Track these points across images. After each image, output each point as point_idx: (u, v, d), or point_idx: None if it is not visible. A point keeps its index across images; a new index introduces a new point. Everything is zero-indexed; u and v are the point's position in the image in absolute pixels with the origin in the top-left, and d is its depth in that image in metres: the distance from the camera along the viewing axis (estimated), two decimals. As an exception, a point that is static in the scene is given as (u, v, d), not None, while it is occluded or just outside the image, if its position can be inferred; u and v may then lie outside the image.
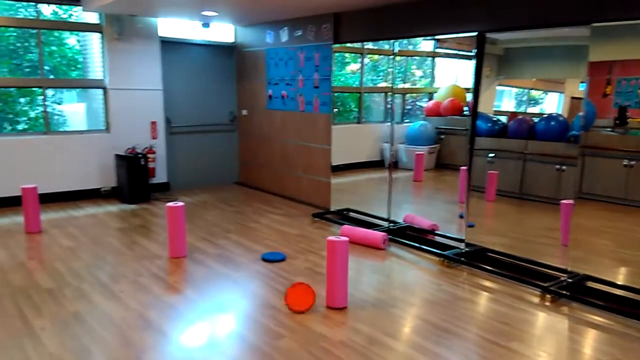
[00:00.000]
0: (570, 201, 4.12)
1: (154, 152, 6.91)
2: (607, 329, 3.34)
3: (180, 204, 4.50)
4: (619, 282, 3.85)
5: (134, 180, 6.50)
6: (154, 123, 7.00)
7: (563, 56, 4.91)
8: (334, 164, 6.23)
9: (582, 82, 4.45)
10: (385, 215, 5.59)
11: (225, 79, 7.81)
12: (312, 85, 6.42)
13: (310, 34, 6.34)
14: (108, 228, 5.46)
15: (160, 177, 7.12)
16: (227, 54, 7.75)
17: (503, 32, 4.74)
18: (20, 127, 7.34)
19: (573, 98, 4.90)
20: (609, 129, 5.10)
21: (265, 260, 4.48)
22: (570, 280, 3.88)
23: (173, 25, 7.16)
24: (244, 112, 7.73)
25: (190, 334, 3.21)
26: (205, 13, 6.32)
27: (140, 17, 6.72)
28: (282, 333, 3.17)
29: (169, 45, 7.13)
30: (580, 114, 4.39)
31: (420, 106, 7.51)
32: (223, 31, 7.62)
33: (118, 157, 6.68)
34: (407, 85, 7.59)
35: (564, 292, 3.74)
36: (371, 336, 3.15)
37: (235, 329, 3.27)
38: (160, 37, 7.00)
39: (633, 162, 4.66)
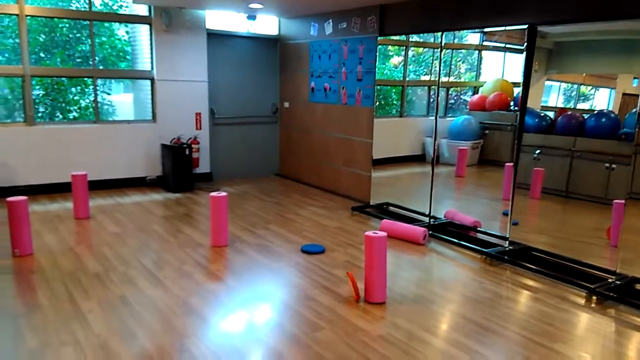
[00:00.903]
0: (622, 201, 3.96)
1: (198, 143, 7.04)
2: (658, 334, 3.21)
3: (223, 194, 4.57)
4: (672, 287, 3.70)
5: (178, 170, 6.64)
6: (198, 114, 7.13)
7: (616, 50, 4.72)
8: (375, 157, 6.20)
9: (635, 78, 4.26)
10: (426, 211, 5.53)
11: (269, 72, 7.87)
12: (355, 78, 6.39)
13: (355, 26, 6.30)
14: (153, 216, 5.61)
15: (204, 167, 7.26)
16: (271, 46, 7.80)
17: (555, 25, 4.59)
18: (71, 115, 7.62)
19: (625, 94, 4.71)
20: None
21: (304, 251, 4.51)
22: (618, 282, 3.75)
23: (219, 18, 7.26)
24: (286, 104, 7.78)
25: (230, 321, 3.27)
26: (251, 5, 6.38)
27: (188, 9, 6.83)
28: (321, 325, 3.19)
29: (214, 37, 7.23)
30: (634, 110, 4.21)
31: (465, 100, 7.37)
32: (267, 23, 7.67)
33: (163, 146, 6.84)
34: (452, 79, 7.46)
35: (611, 294, 3.62)
36: (410, 331, 3.13)
37: (274, 318, 3.31)
38: (207, 29, 7.10)
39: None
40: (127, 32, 7.72)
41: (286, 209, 6.03)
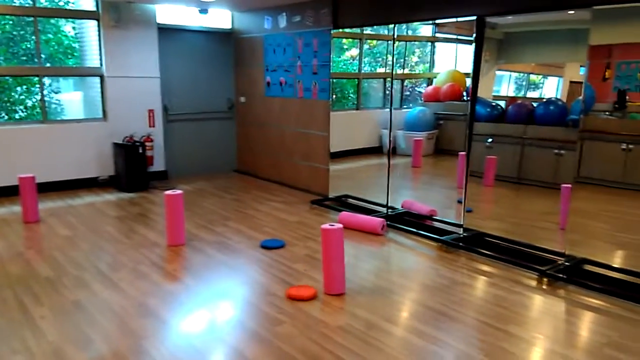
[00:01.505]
0: (569, 185, 4.11)
1: (151, 140, 6.89)
2: (604, 311, 3.35)
3: (179, 191, 4.50)
4: (616, 265, 3.87)
5: (131, 169, 6.49)
6: (151, 111, 6.97)
7: (563, 40, 4.87)
8: (332, 150, 6.22)
9: (581, 66, 4.42)
10: (383, 202, 5.59)
11: (223, 66, 7.76)
12: (311, 71, 6.38)
13: (309, 20, 6.28)
14: (106, 217, 5.47)
15: (158, 165, 7.11)
16: (225, 40, 7.70)
17: (503, 16, 4.70)
18: (17, 116, 7.31)
19: (572, 82, 4.87)
20: (607, 113, 5.08)
21: (264, 247, 4.49)
22: (567, 263, 3.90)
23: (170, 12, 7.10)
24: (242, 99, 7.70)
25: (189, 321, 3.22)
26: (202, -1, 6.28)
27: (137, 3, 6.66)
28: (282, 319, 3.19)
29: (166, 32, 7.08)
30: (580, 98, 4.36)
31: (419, 92, 7.48)
32: (221, 17, 7.56)
33: (116, 145, 6.66)
34: (406, 71, 7.55)
35: (561, 275, 3.76)
36: (370, 321, 3.17)
37: (234, 316, 3.28)
38: (158, 24, 6.94)
39: (631, 146, 4.65)
40: (74, 28, 7.45)
41: (245, 205, 5.98)
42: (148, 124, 6.97)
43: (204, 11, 7.13)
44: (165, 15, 7.06)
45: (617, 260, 4.11)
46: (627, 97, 4.95)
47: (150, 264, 4.10)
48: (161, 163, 7.16)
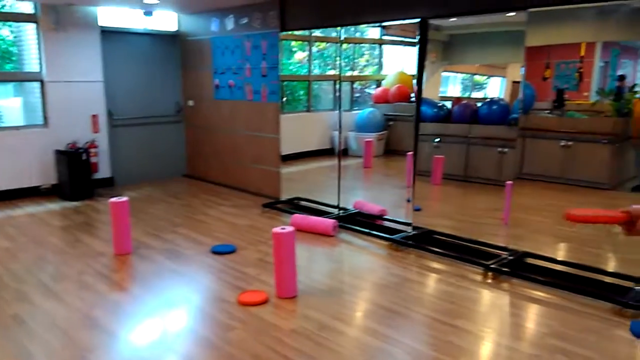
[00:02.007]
0: (509, 182, 4.25)
1: (96, 147, 6.68)
2: (546, 302, 3.48)
3: (124, 198, 4.37)
4: (557, 258, 4.03)
5: (75, 176, 6.26)
6: (95, 116, 6.75)
7: (504, 42, 5.04)
8: (284, 153, 6.20)
9: (522, 67, 4.59)
10: (335, 203, 5.62)
11: (170, 69, 7.61)
12: (260, 74, 6.34)
13: (257, 22, 6.25)
14: (49, 227, 5.25)
15: (104, 172, 6.89)
16: (171, 43, 7.55)
17: (444, 19, 4.82)
18: (-50, 124, 6.93)
19: (514, 82, 5.03)
20: (547, 112, 5.30)
21: (215, 252, 4.42)
22: (510, 257, 4.03)
23: (114, 14, 6.90)
24: (190, 102, 7.57)
25: (138, 331, 3.14)
26: (146, 1, 6.13)
27: (78, 6, 6.44)
28: (234, 325, 3.15)
29: (109, 35, 6.87)
30: (520, 97, 4.53)
31: (369, 93, 7.57)
32: (166, 19, 7.41)
33: (58, 152, 6.41)
34: (355, 73, 7.63)
35: (505, 269, 3.88)
36: (322, 322, 3.17)
37: (185, 324, 3.22)
38: (100, 26, 6.73)
39: (570, 143, 4.86)
40: (11, 32, 7.13)
41: (195, 210, 5.88)
42: (92, 130, 6.74)
43: (148, 13, 6.97)
44: (109, 17, 6.86)
45: (558, 252, 4.29)
46: (565, 96, 5.18)
47: (96, 274, 3.96)
48: (107, 170, 6.95)
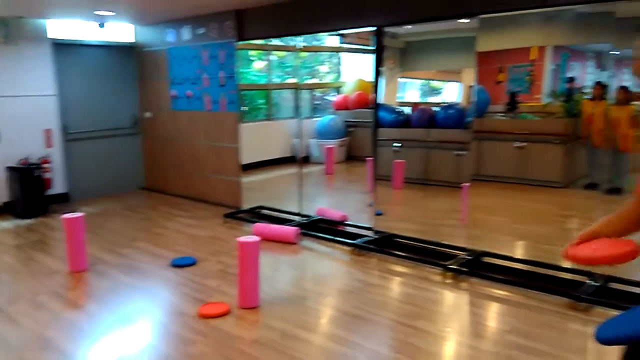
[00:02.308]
0: (467, 184, 4.34)
1: (49, 162, 6.47)
2: (505, 300, 3.55)
3: (79, 214, 4.24)
4: (514, 256, 4.12)
5: (28, 193, 6.05)
6: (48, 131, 6.55)
7: (457, 48, 5.16)
8: (245, 162, 6.16)
9: (475, 72, 4.69)
10: (297, 210, 5.61)
11: (126, 81, 7.46)
12: (218, 83, 6.29)
13: (213, 32, 6.21)
14: (1, 245, 5.05)
15: (58, 187, 6.69)
16: (127, 54, 7.41)
17: (399, 26, 4.90)
18: None
19: (470, 87, 5.15)
20: (501, 114, 5.45)
21: (175, 266, 4.33)
22: (469, 257, 4.10)
23: (67, 27, 6.73)
24: (148, 114, 7.44)
25: (94, 351, 3.04)
26: (100, 13, 6.00)
27: (27, 18, 6.26)
28: (195, 339, 3.09)
29: (62, 47, 6.69)
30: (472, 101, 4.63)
31: (329, 101, 7.62)
32: (121, 31, 7.28)
33: (9, 169, 6.19)
34: (315, 81, 7.68)
35: (464, 269, 3.94)
36: (285, 331, 3.14)
37: (144, 341, 3.13)
38: (52, 39, 6.56)
39: (523, 144, 5.01)
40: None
41: (154, 224, 5.76)
42: (45, 145, 6.54)
43: (102, 25, 6.83)
44: (62, 30, 6.68)
45: (515, 251, 4.39)
46: (518, 99, 5.34)
47: (50, 293, 3.83)
48: (61, 185, 6.74)
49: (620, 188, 4.14)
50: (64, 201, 6.74)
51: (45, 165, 6.39)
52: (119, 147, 7.45)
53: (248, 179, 6.19)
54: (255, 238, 3.52)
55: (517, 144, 5.05)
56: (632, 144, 4.22)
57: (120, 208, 6.53)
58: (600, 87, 4.41)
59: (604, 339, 1.27)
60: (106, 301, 3.70)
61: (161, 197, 7.14)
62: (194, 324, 3.28)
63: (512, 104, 5.41)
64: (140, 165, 7.71)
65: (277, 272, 4.32)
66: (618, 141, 4.27)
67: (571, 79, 5.10)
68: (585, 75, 5.01)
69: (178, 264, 4.34)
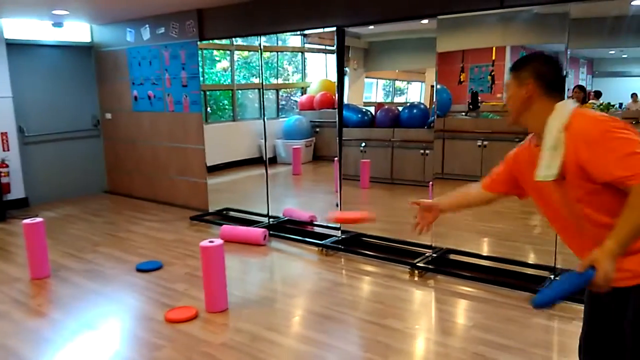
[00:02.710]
0: (431, 182, 4.41)
1: (6, 166, 6.25)
2: (470, 296, 3.63)
3: (39, 219, 4.12)
4: (478, 252, 4.21)
5: (-16, 199, 5.84)
6: (4, 134, 6.33)
7: (419, 48, 5.24)
8: (211, 163, 6.09)
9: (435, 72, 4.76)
10: (264, 212, 5.58)
11: (84, 82, 7.27)
12: (180, 84, 6.20)
13: (174, 31, 6.11)
14: (-45, 254, 4.86)
15: (17, 192, 6.47)
16: (85, 54, 7.22)
17: (359, 27, 4.94)
18: None
19: (433, 86, 5.22)
20: (463, 114, 5.55)
21: (140, 270, 4.26)
22: (434, 255, 4.17)
23: (21, 26, 6.50)
24: (108, 115, 7.27)
25: (58, 359, 2.96)
26: (55, 12, 5.83)
27: (-21, 18, 6.03)
28: (161, 344, 3.04)
29: (16, 47, 6.47)
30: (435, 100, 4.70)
31: (295, 101, 7.61)
32: (78, 31, 7.08)
33: (-37, 174, 5.96)
34: (280, 81, 7.65)
35: (430, 266, 4.01)
36: (254, 334, 3.13)
37: (109, 347, 3.07)
38: (7, 39, 6.33)
39: (486, 143, 5.12)
40: None
41: (117, 228, 5.64)
42: (1, 148, 6.32)
43: (58, 24, 6.63)
44: (15, 29, 6.45)
45: (479, 247, 4.49)
46: (479, 98, 5.45)
47: (11, 301, 3.70)
48: (20, 190, 6.52)
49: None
50: (23, 206, 6.52)
51: (3, 170, 6.18)
52: (79, 150, 7.25)
53: (214, 181, 6.13)
54: (219, 241, 3.48)
55: (480, 142, 5.15)
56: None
57: (82, 212, 6.36)
58: (580, 90, 4.44)
59: (537, 304, 1.53)
60: (70, 308, 3.61)
61: (125, 200, 6.99)
62: (161, 328, 3.23)
63: (474, 104, 5.52)
64: (101, 168, 7.53)
65: (245, 274, 4.30)
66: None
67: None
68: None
69: (143, 269, 4.26)
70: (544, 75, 1.67)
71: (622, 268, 1.50)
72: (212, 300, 3.46)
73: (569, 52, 3.68)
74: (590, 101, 4.43)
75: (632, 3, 3.67)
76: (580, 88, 4.49)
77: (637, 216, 1.43)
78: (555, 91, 1.67)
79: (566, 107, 1.61)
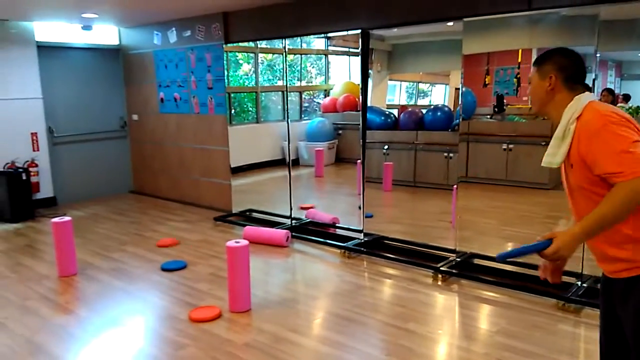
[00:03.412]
0: (455, 186, 4.37)
1: (36, 166, 6.41)
2: (493, 301, 3.59)
3: (67, 218, 4.22)
4: (503, 257, 4.15)
5: (15, 197, 5.99)
6: (34, 134, 6.50)
7: (444, 50, 5.20)
8: (235, 165, 6.15)
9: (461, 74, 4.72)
10: (287, 213, 5.61)
11: (113, 84, 7.42)
12: (206, 86, 6.28)
13: (200, 34, 6.19)
14: (-13, 251, 5.00)
15: (46, 191, 6.63)
16: (113, 57, 7.37)
17: (384, 29, 4.93)
18: None
19: (457, 89, 5.18)
20: (489, 117, 5.49)
21: (165, 269, 4.32)
22: (458, 259, 4.13)
23: (51, 29, 6.67)
24: (135, 117, 7.40)
25: (84, 355, 3.02)
26: (85, 15, 5.97)
27: (13, 21, 6.20)
28: (185, 343, 3.08)
29: (47, 50, 6.64)
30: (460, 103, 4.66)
31: (318, 103, 7.63)
32: (107, 33, 7.23)
33: (-4, 173, 6.13)
34: (304, 83, 7.68)
35: (454, 270, 3.97)
36: (276, 334, 3.15)
37: (134, 345, 3.12)
38: (38, 42, 6.50)
39: (511, 146, 5.05)
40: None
41: (143, 227, 5.73)
42: (32, 148, 6.48)
43: (87, 27, 6.79)
44: (46, 32, 6.63)
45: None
46: (505, 101, 5.38)
47: (40, 298, 3.79)
48: (49, 189, 6.68)
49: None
50: (51, 205, 6.68)
51: (32, 169, 6.33)
52: (106, 150, 7.40)
53: (238, 182, 6.18)
54: (244, 242, 3.51)
55: (505, 145, 5.09)
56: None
57: (109, 212, 6.48)
58: (609, 93, 4.37)
59: (499, 258, 1.82)
60: (96, 305, 3.68)
61: (150, 201, 7.10)
62: (185, 327, 3.27)
63: (499, 106, 5.45)
64: (128, 168, 7.67)
65: (268, 275, 4.32)
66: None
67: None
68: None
69: (168, 268, 4.32)
70: (566, 67, 1.76)
71: (635, 259, 1.59)
72: (236, 301, 3.49)
73: (598, 55, 3.61)
74: (619, 104, 4.34)
75: (665, 4, 3.59)
76: (609, 91, 4.40)
77: (608, 210, 1.52)
78: (576, 83, 1.75)
79: (582, 100, 1.68)
